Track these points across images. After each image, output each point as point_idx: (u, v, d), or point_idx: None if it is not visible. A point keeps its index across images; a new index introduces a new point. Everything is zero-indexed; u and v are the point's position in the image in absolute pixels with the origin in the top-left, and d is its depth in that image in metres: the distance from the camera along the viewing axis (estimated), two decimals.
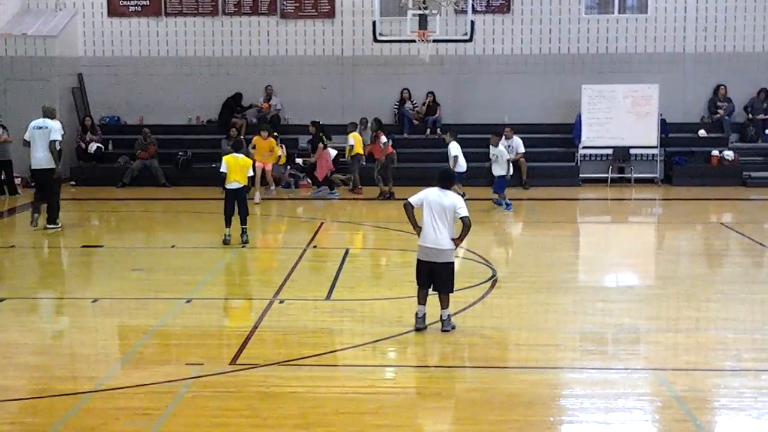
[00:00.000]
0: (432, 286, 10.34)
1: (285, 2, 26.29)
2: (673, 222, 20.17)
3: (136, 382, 8.76)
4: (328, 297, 12.17)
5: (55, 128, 17.48)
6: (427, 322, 10.36)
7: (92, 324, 11.26)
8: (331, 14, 26.28)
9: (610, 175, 24.40)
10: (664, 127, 24.72)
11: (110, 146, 25.25)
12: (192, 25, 26.40)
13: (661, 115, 24.50)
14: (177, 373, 8.83)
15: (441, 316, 10.33)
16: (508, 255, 15.98)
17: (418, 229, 10.39)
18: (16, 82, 24.44)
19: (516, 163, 23.82)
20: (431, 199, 10.29)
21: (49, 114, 17.93)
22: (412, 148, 25.06)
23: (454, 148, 19.81)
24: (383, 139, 21.77)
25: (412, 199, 10.44)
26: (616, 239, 18.09)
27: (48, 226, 17.41)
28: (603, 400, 8.43)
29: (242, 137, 24.66)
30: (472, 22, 23.47)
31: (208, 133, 25.79)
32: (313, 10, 26.31)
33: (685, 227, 19.07)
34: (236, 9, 26.36)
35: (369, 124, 24.15)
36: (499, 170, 19.74)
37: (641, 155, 24.65)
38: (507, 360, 9.83)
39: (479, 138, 24.92)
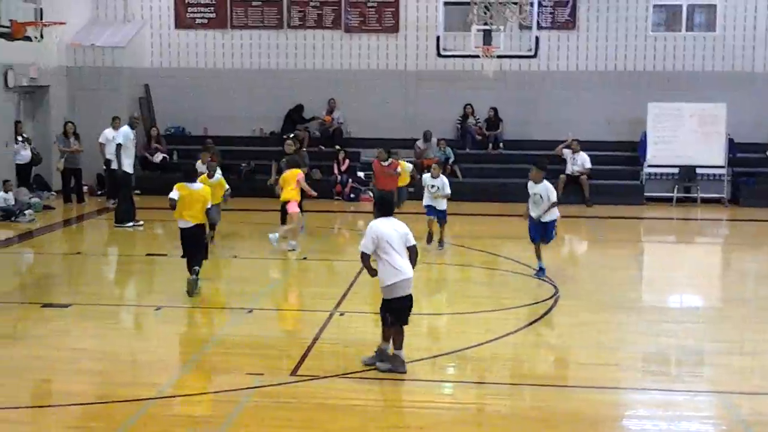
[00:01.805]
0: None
1: (349, 16, 26.42)
2: (739, 243, 19.81)
3: (198, 390, 8.83)
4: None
5: (122, 134, 19.37)
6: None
7: (155, 331, 11.37)
8: (395, 29, 26.34)
9: (675, 195, 24.04)
10: (732, 146, 24.32)
11: (175, 156, 25.54)
12: (257, 38, 26.63)
13: (728, 134, 24.12)
14: (238, 383, 8.87)
15: (397, 355, 9.44)
16: (571, 273, 15.80)
17: (374, 272, 9.42)
18: (84, 92, 24.87)
19: (578, 179, 23.66)
20: (386, 232, 9.26)
21: (130, 122, 20.29)
22: (474, 164, 25.01)
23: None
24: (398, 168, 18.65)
25: (366, 246, 9.25)
26: (681, 259, 17.80)
27: (115, 224, 19.08)
28: (666, 423, 8.29)
29: (304, 149, 24.98)
30: (537, 38, 23.30)
31: (270, 145, 25.94)
32: (378, 25, 26.39)
33: (751, 248, 18.71)
34: (301, 23, 26.54)
35: (434, 140, 24.29)
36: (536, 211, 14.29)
37: (708, 175, 24.25)
38: (568, 379, 9.71)
39: (542, 154, 24.85)
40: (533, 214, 14.07)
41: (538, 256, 14.14)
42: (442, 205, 16.69)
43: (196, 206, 12.51)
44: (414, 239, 9.47)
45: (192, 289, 12.39)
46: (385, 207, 9.57)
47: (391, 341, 9.42)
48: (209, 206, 12.92)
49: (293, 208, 16.52)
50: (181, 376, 9.39)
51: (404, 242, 9.35)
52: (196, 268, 12.48)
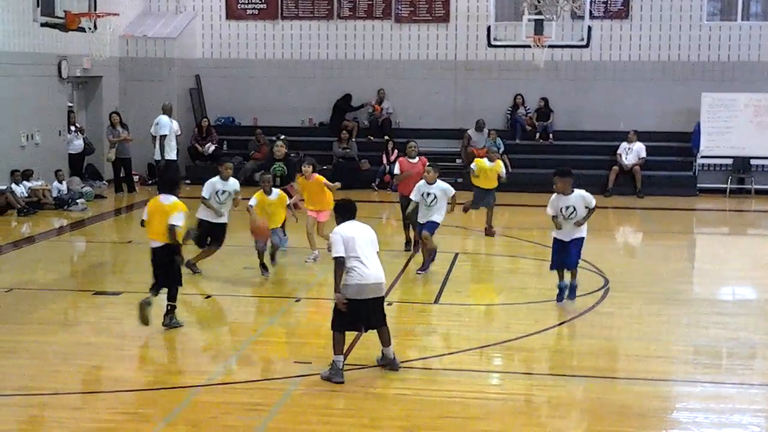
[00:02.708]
0: (366, 327, 9.12)
1: (400, 6, 26.36)
2: None
3: (246, 378, 8.87)
4: (436, 301, 12.12)
5: (166, 124, 21.10)
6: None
7: (204, 320, 11.45)
8: (445, 18, 26.23)
9: (729, 186, 23.68)
10: None
11: (225, 147, 25.70)
12: (307, 29, 26.68)
13: None
14: (286, 371, 8.90)
15: (385, 354, 9.13)
16: (621, 264, 15.63)
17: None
18: (135, 83, 25.12)
19: (631, 170, 23.42)
20: (353, 234, 8.85)
21: (167, 111, 21.72)
22: (523, 154, 24.84)
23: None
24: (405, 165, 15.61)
25: (338, 251, 8.76)
26: (734, 251, 17.54)
27: None
28: (717, 415, 8.18)
29: (353, 139, 25.00)
30: (590, 28, 23.04)
31: (320, 135, 26.03)
32: (428, 15, 26.30)
33: None
34: (351, 13, 26.54)
35: (486, 129, 24.22)
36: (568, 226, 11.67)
37: (762, 166, 23.87)
38: (617, 370, 9.60)
39: (593, 145, 24.65)
40: (562, 234, 11.69)
41: (561, 277, 11.86)
42: (436, 216, 13.62)
43: (162, 223, 10.37)
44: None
45: (170, 322, 10.50)
46: (345, 211, 9.13)
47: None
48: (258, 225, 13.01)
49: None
50: (229, 364, 9.45)
51: (373, 246, 8.96)
52: (171, 304, 10.54)
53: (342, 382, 8.61)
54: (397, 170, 15.44)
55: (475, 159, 17.86)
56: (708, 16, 25.53)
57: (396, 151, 24.45)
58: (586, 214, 11.51)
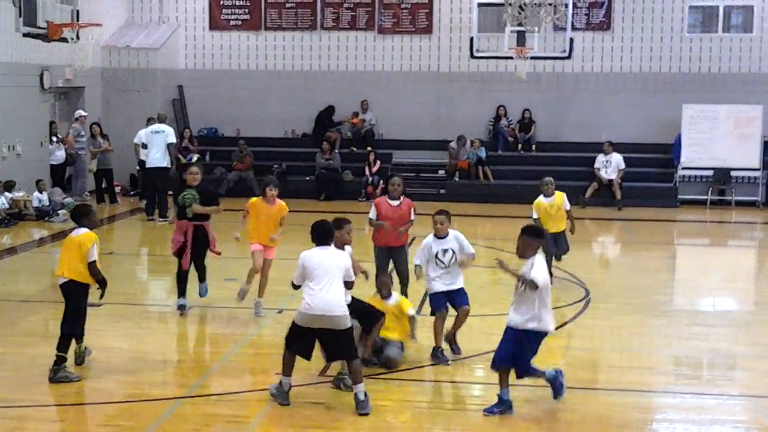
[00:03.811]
0: (326, 358, 8.72)
1: (383, 18, 26.44)
2: None
3: (227, 390, 8.86)
4: (417, 312, 12.12)
5: (171, 132, 20.53)
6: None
7: (185, 331, 11.43)
8: (428, 30, 26.31)
9: (709, 197, 23.84)
10: (767, 149, 24.08)
11: (207, 157, 25.68)
12: (291, 40, 26.71)
13: (764, 136, 23.88)
14: (267, 383, 8.88)
15: (356, 394, 8.38)
16: (602, 276, 15.70)
17: None
18: (118, 93, 25.11)
19: (610, 183, 23.51)
20: (318, 261, 8.48)
21: (164, 120, 21.30)
22: (506, 165, 24.95)
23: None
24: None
25: (295, 278, 8.63)
26: (715, 263, 17.64)
27: (159, 219, 19.87)
28: (698, 426, 8.24)
29: (336, 151, 25.01)
30: (572, 40, 23.20)
31: (303, 147, 26.05)
32: (411, 26, 26.38)
33: None
34: (334, 24, 26.59)
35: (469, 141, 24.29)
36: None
37: (743, 177, 24.04)
38: (598, 382, 9.65)
39: (575, 156, 24.76)
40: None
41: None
42: (460, 278, 10.22)
43: (71, 259, 9.14)
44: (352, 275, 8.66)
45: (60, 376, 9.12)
46: (320, 235, 8.65)
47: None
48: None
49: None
50: (211, 376, 9.44)
51: (337, 275, 8.45)
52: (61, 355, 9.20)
53: (287, 404, 8.35)
54: (372, 213, 11.66)
55: (534, 203, 13.63)
56: (689, 28, 25.72)
57: (379, 162, 24.51)
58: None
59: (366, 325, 9.44)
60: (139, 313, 10.75)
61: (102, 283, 9.21)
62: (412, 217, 11.71)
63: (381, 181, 24.08)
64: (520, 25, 21.92)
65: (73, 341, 9.41)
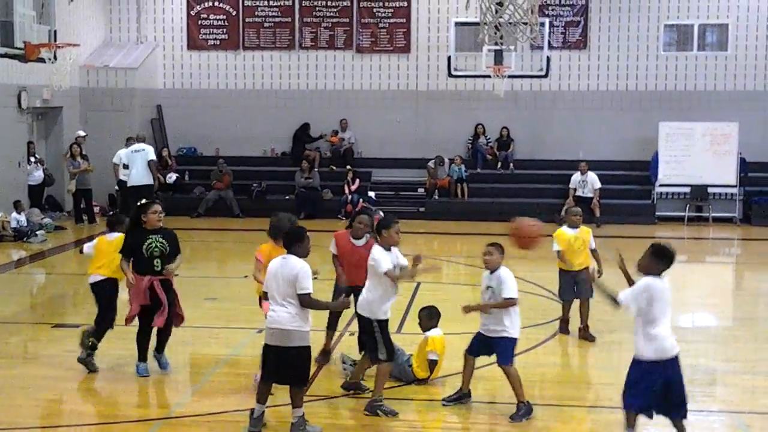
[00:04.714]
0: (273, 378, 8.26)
1: (361, 37, 26.54)
2: (751, 262, 19.74)
3: (206, 411, 8.82)
4: (398, 330, 12.12)
5: (150, 150, 21.07)
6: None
7: (166, 352, 11.35)
8: (406, 49, 26.43)
9: (687, 214, 24.01)
10: (744, 165, 24.29)
11: (186, 177, 25.64)
12: (269, 59, 26.76)
13: (740, 153, 24.09)
14: (247, 403, 8.85)
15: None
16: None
17: None
18: (96, 113, 25.04)
19: (590, 202, 23.60)
20: (276, 270, 8.13)
21: (143, 140, 21.76)
22: (485, 183, 25.06)
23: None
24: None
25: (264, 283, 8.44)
26: (693, 279, 17.72)
27: None
28: None
29: (316, 169, 25.02)
30: (548, 58, 23.39)
31: (282, 165, 26.06)
32: (389, 45, 26.50)
33: (763, 268, 18.64)
34: (313, 43, 26.66)
35: (446, 161, 24.35)
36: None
37: (719, 194, 24.23)
38: (578, 398, 9.67)
39: (554, 174, 24.87)
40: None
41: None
42: (501, 322, 9.04)
43: (101, 256, 10.30)
44: (309, 285, 8.08)
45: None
46: (288, 241, 8.26)
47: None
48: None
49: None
50: (191, 397, 9.40)
51: (287, 288, 8.03)
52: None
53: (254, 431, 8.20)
54: (332, 247, 10.43)
55: (555, 233, 12.08)
56: (664, 46, 25.95)
57: (358, 180, 24.55)
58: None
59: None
60: (118, 333, 10.67)
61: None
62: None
63: (360, 200, 24.16)
64: (496, 44, 22.07)
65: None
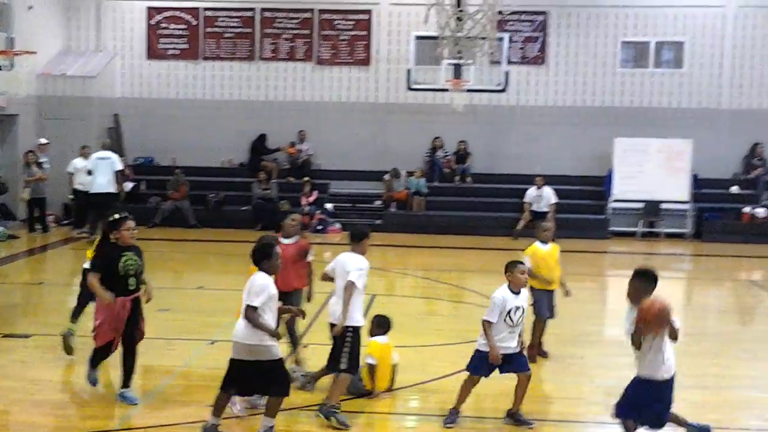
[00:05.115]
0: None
1: (321, 49, 26.59)
2: (702, 278, 20.01)
3: (158, 423, 8.78)
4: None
5: (117, 159, 21.17)
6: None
7: (117, 362, 11.28)
8: (366, 62, 26.53)
9: (640, 229, 24.30)
10: (696, 182, 24.64)
11: (143, 186, 25.51)
12: (229, 69, 26.74)
13: (693, 170, 24.43)
14: (198, 415, 8.83)
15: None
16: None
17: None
18: (54, 121, 24.83)
19: (545, 216, 23.79)
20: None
21: (108, 147, 21.88)
22: (442, 196, 25.19)
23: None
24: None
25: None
26: None
27: (78, 230, 21.08)
28: None
29: (273, 180, 25.01)
30: (507, 73, 23.60)
31: (240, 176, 26.01)
32: (349, 58, 26.57)
33: (714, 284, 18.89)
34: (273, 55, 26.67)
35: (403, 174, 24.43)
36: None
37: (672, 210, 24.54)
38: (530, 412, 9.71)
39: (511, 188, 25.05)
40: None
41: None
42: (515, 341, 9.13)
43: None
44: (256, 299, 8.03)
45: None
46: (255, 254, 8.24)
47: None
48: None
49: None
50: (142, 408, 9.35)
51: (246, 299, 8.14)
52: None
53: None
54: None
55: (526, 250, 11.75)
56: (621, 63, 26.27)
57: (315, 192, 24.58)
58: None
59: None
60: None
61: None
62: (309, 259, 10.52)
63: (317, 212, 24.18)
64: (457, 58, 22.23)
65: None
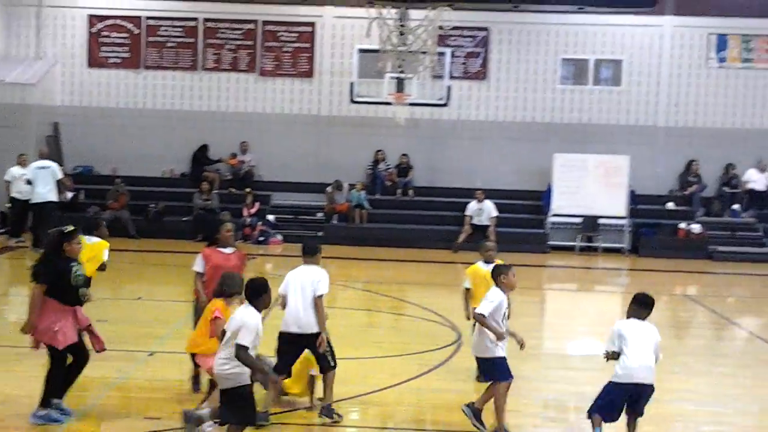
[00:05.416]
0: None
1: (264, 60, 26.56)
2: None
3: None
4: None
5: (57, 168, 20.98)
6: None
7: (40, 373, 11.15)
8: (309, 74, 26.55)
9: (578, 244, 24.62)
10: (634, 198, 25.04)
11: (82, 196, 25.21)
12: (171, 79, 26.58)
13: (630, 186, 24.82)
14: (135, 427, 8.77)
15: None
16: (473, 319, 15.99)
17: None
18: None
19: (486, 229, 24.00)
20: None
21: (46, 156, 21.74)
22: (384, 209, 25.27)
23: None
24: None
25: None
26: (582, 307, 18.20)
27: (15, 240, 21.12)
28: None
29: (215, 191, 24.90)
30: (449, 87, 23.81)
31: (181, 186, 25.84)
32: (292, 69, 26.58)
33: None
34: (215, 65, 26.58)
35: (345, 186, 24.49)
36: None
37: (610, 225, 24.90)
38: (469, 425, 9.81)
39: (451, 202, 25.24)
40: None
41: None
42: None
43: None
44: (243, 339, 7.74)
45: None
46: (246, 290, 8.08)
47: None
48: None
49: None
50: (78, 421, 9.24)
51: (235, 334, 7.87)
52: None
53: None
54: (198, 266, 10.20)
55: (468, 269, 11.55)
56: (561, 80, 26.64)
57: (257, 203, 24.52)
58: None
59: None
60: (5, 355, 10.45)
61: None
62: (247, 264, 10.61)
63: (259, 223, 24.11)
64: (400, 72, 22.37)
65: None
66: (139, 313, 14.62)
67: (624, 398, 8.50)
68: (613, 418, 8.57)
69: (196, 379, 10.05)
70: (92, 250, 10.18)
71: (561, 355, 13.51)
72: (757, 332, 15.94)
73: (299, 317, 9.26)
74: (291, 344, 9.27)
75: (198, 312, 9.87)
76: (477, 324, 9.23)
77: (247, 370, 7.69)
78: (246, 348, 7.67)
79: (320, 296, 9.29)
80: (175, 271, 17.30)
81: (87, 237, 10.22)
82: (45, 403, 8.95)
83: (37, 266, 9.04)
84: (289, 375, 9.45)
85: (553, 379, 11.69)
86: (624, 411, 8.58)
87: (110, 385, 10.49)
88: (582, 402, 10.60)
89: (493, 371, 9.17)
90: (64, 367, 9.10)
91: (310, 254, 9.67)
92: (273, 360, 9.29)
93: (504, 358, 9.17)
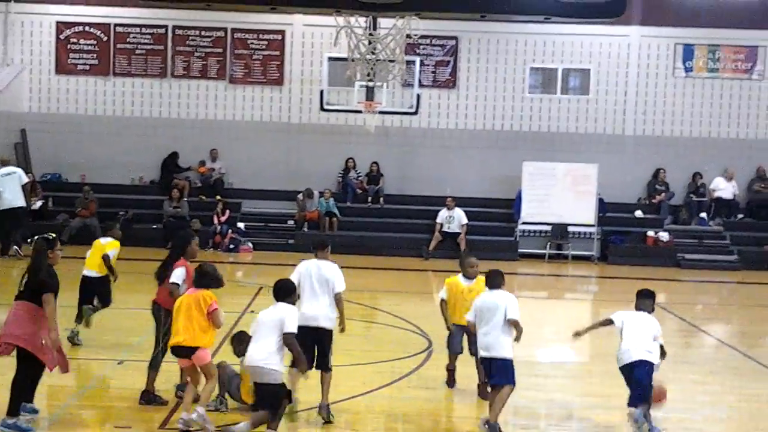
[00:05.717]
0: None
1: (234, 68, 26.52)
2: (607, 300, 20.42)
3: None
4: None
5: (22, 173, 21.32)
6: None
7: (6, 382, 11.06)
8: (279, 81, 26.54)
9: (547, 251, 24.76)
10: (602, 206, 25.20)
11: (50, 203, 25.02)
12: (140, 86, 26.46)
13: (599, 194, 24.99)
14: None
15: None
16: (444, 327, 16.01)
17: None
18: None
19: (456, 237, 24.09)
20: (259, 317, 9.05)
21: (8, 163, 21.84)
22: (355, 217, 25.29)
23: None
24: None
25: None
26: (551, 315, 18.28)
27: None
28: None
29: (185, 199, 24.81)
30: (418, 96, 23.87)
31: (151, 194, 25.72)
32: (262, 77, 26.55)
33: (618, 305, 19.10)
34: (185, 72, 26.50)
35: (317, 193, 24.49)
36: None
37: (579, 233, 25.05)
38: (441, 430, 9.86)
39: (421, 209, 25.28)
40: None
41: None
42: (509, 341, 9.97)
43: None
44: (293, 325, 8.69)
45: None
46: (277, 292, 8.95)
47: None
48: None
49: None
50: (49, 429, 9.19)
51: (273, 329, 8.73)
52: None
53: None
54: (179, 277, 10.16)
55: (447, 280, 11.38)
56: (530, 88, 26.80)
57: (228, 211, 24.47)
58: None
59: None
60: None
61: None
62: None
63: (230, 231, 24.04)
64: (369, 80, 22.40)
65: None
66: (108, 322, 14.49)
67: (628, 381, 9.67)
68: (633, 402, 9.51)
69: (181, 387, 9.98)
70: (103, 248, 12.78)
71: (530, 362, 13.51)
72: (726, 339, 16.10)
73: (315, 313, 9.59)
74: (304, 337, 9.18)
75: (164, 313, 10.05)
76: (505, 326, 9.90)
77: (283, 370, 8.63)
78: (294, 335, 8.54)
79: (339, 293, 9.73)
80: (145, 279, 17.09)
81: (102, 237, 12.86)
82: (13, 411, 8.84)
83: (36, 277, 9.00)
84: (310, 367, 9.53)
85: (524, 386, 11.65)
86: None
87: (79, 393, 10.42)
88: (551, 409, 10.71)
89: (511, 373, 9.68)
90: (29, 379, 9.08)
91: (321, 248, 10.20)
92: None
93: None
